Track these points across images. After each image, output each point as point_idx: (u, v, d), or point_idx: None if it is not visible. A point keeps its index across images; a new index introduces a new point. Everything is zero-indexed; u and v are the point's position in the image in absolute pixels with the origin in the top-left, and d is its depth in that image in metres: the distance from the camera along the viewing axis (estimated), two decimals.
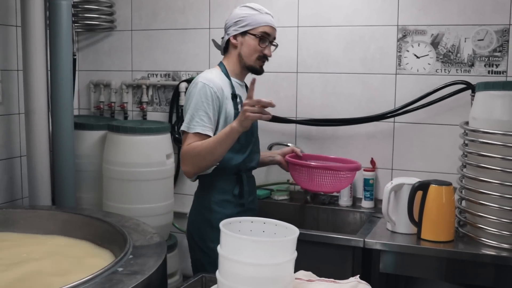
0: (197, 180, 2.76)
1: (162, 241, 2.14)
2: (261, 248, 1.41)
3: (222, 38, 2.74)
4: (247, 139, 2.68)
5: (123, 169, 3.29)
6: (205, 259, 2.65)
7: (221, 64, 2.71)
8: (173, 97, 3.76)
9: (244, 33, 2.62)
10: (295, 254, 1.48)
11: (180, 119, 3.73)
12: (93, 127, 3.57)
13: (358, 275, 1.65)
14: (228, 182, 2.69)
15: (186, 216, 3.16)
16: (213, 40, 2.90)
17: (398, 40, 3.25)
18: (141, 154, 3.29)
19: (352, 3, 3.32)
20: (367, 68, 3.32)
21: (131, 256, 1.95)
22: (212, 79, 2.56)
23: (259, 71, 2.69)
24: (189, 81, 3.69)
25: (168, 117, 3.78)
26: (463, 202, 2.72)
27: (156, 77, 3.87)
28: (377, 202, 3.22)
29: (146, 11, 3.86)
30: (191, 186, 3.78)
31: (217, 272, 1.50)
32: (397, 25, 3.24)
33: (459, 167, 2.73)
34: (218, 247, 1.48)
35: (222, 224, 1.49)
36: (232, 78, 2.68)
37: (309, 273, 1.65)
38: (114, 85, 3.95)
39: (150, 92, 3.89)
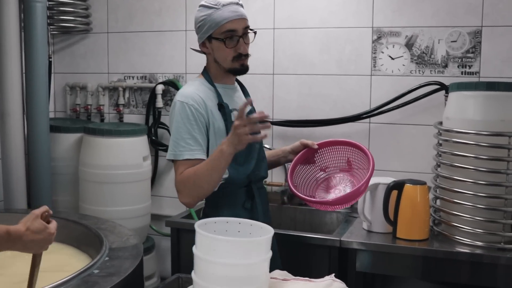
0: None
1: (139, 243, 2.15)
2: (235, 248, 1.42)
3: None
4: (250, 147, 2.34)
5: (100, 171, 3.28)
6: None
7: (204, 72, 2.42)
8: (149, 99, 3.75)
9: (209, 38, 2.31)
10: (270, 253, 1.49)
11: (157, 122, 3.72)
12: (69, 130, 3.56)
13: (333, 274, 1.67)
14: (237, 196, 2.37)
15: (163, 218, 3.17)
16: (192, 48, 2.54)
17: (373, 42, 3.28)
18: (118, 157, 3.29)
19: (327, 5, 3.35)
20: (343, 70, 3.35)
21: (107, 258, 1.95)
22: (190, 95, 2.26)
23: (241, 71, 2.37)
24: (165, 83, 3.69)
25: (145, 119, 3.78)
26: (438, 201, 2.75)
27: (133, 79, 3.87)
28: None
29: (122, 13, 3.85)
30: (168, 188, 3.79)
31: (192, 273, 1.51)
32: (372, 27, 3.27)
33: (434, 167, 2.76)
34: (194, 248, 1.49)
35: (197, 225, 1.49)
36: (217, 85, 2.37)
37: (285, 272, 1.67)
38: (91, 88, 3.93)
39: (127, 95, 3.88)
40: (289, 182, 2.45)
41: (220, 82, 2.40)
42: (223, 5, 2.27)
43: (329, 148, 2.59)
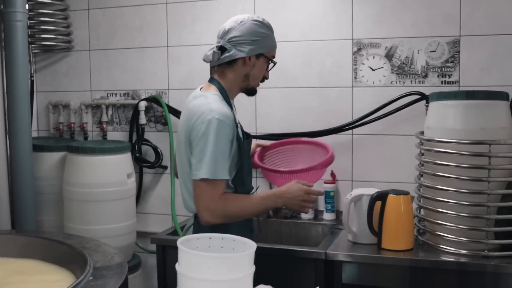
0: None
1: (123, 261, 2.13)
2: (219, 264, 1.42)
3: (218, 49, 2.40)
4: (248, 159, 2.50)
5: (84, 190, 3.27)
6: None
7: (216, 82, 2.41)
8: (133, 116, 3.75)
9: (259, 55, 2.39)
10: (253, 268, 1.49)
11: (141, 138, 3.72)
12: (53, 149, 3.55)
13: (318, 287, 1.67)
14: None
15: (149, 235, 3.16)
16: (214, 51, 2.41)
17: (353, 54, 3.31)
18: (102, 174, 3.28)
19: (308, 18, 3.37)
20: (324, 82, 3.37)
21: (91, 278, 1.93)
22: (226, 113, 2.26)
23: (256, 92, 2.52)
24: (148, 99, 3.69)
25: (129, 136, 3.77)
26: (422, 211, 2.77)
27: (116, 96, 3.86)
28: (339, 214, 3.25)
29: (103, 30, 3.85)
30: (153, 205, 3.79)
31: None
32: (352, 39, 3.30)
33: (416, 176, 2.78)
34: (176, 265, 1.49)
35: (180, 242, 1.49)
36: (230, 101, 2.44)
37: (269, 286, 1.66)
38: (73, 106, 3.93)
39: (110, 112, 3.88)
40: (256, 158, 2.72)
41: (231, 98, 2.47)
42: (273, 31, 2.48)
43: (286, 147, 2.85)
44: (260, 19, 2.41)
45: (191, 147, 2.30)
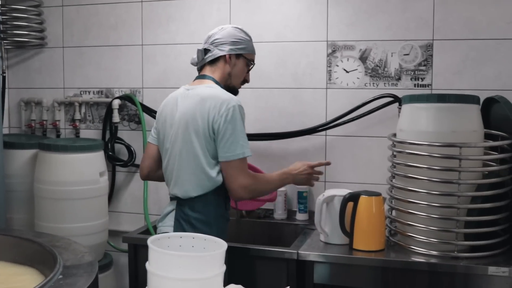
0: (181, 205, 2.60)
1: (94, 260, 2.11)
2: (189, 263, 1.42)
3: (203, 50, 2.66)
4: None
5: (55, 188, 3.24)
6: None
7: (212, 79, 2.63)
8: (106, 114, 3.73)
9: (239, 55, 2.65)
10: (223, 267, 1.49)
11: (114, 137, 3.69)
12: (24, 146, 3.51)
13: (288, 287, 1.67)
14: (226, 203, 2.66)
15: (121, 234, 3.14)
16: (200, 49, 2.70)
17: (328, 55, 3.33)
18: (74, 172, 3.25)
19: (283, 19, 3.39)
20: (299, 83, 3.39)
21: (60, 276, 1.91)
22: (239, 99, 2.53)
23: (237, 92, 2.71)
24: (122, 98, 3.67)
25: (102, 135, 3.74)
26: (393, 212, 2.79)
27: (89, 94, 3.83)
28: (311, 214, 3.26)
29: (77, 27, 3.82)
30: (126, 204, 3.76)
31: None
32: (327, 41, 3.32)
33: (389, 178, 2.80)
34: (147, 264, 1.48)
35: (150, 240, 1.49)
36: None
37: (239, 286, 1.66)
38: (46, 103, 3.88)
39: (83, 110, 3.85)
40: None
41: None
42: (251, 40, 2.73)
43: None
44: (240, 27, 2.70)
45: (214, 132, 2.47)
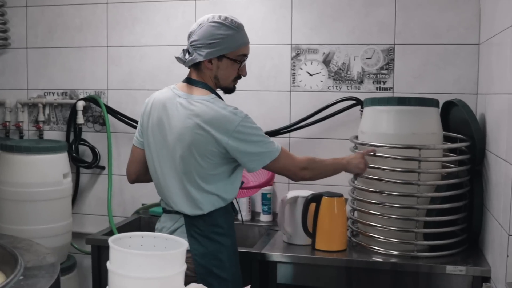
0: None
1: (56, 261, 2.10)
2: (149, 262, 1.43)
3: (186, 51, 2.39)
4: None
5: (18, 189, 3.21)
6: None
7: (202, 84, 2.37)
8: (70, 116, 3.70)
9: (220, 57, 2.34)
10: (184, 266, 1.50)
11: (78, 138, 3.68)
12: None
13: (249, 286, 1.69)
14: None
15: (85, 236, 3.12)
16: (177, 57, 2.43)
17: (292, 59, 3.36)
18: (37, 174, 3.23)
19: (248, 22, 3.34)
20: (263, 86, 3.42)
21: (21, 277, 1.90)
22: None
23: (233, 90, 2.49)
24: (87, 99, 3.65)
25: (66, 136, 3.72)
26: (355, 213, 2.84)
27: (53, 95, 3.81)
28: (275, 215, 3.28)
29: (42, 28, 3.79)
30: (90, 206, 3.75)
31: None
32: (291, 44, 3.36)
33: (351, 179, 2.85)
34: (108, 263, 1.48)
35: (111, 240, 1.49)
36: None
37: (200, 285, 1.68)
38: (9, 104, 3.84)
39: (47, 111, 3.82)
40: None
41: None
42: (240, 29, 2.38)
43: None
44: (221, 20, 2.36)
45: (226, 150, 2.28)
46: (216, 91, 2.43)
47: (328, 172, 2.57)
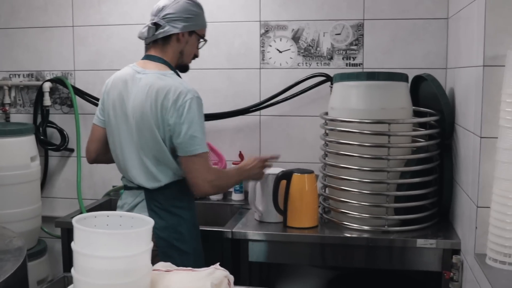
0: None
1: (23, 245, 2.07)
2: (114, 241, 1.41)
3: (154, 24, 2.43)
4: None
5: None
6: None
7: (162, 61, 2.44)
8: (37, 98, 3.63)
9: (191, 32, 2.47)
10: (151, 244, 1.48)
11: (46, 120, 3.61)
12: None
13: (218, 263, 1.68)
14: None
15: (55, 220, 3.08)
16: (139, 37, 2.50)
17: (261, 36, 3.33)
18: (4, 158, 3.18)
19: (216, 0, 3.37)
20: (232, 64, 3.39)
21: None
22: (195, 89, 2.37)
23: (188, 69, 2.59)
24: (53, 81, 3.58)
25: (33, 119, 3.65)
26: (326, 190, 2.83)
27: (19, 77, 3.73)
28: (247, 194, 3.27)
29: (4, 8, 3.69)
30: (60, 189, 3.70)
31: (72, 269, 1.48)
32: (260, 21, 3.33)
33: (321, 156, 2.84)
34: (72, 243, 1.46)
35: (75, 220, 1.46)
36: None
37: (168, 263, 1.66)
38: None
39: (13, 93, 3.74)
40: None
41: None
42: (203, 11, 2.55)
43: None
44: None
45: (171, 126, 2.31)
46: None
47: (233, 184, 2.84)
